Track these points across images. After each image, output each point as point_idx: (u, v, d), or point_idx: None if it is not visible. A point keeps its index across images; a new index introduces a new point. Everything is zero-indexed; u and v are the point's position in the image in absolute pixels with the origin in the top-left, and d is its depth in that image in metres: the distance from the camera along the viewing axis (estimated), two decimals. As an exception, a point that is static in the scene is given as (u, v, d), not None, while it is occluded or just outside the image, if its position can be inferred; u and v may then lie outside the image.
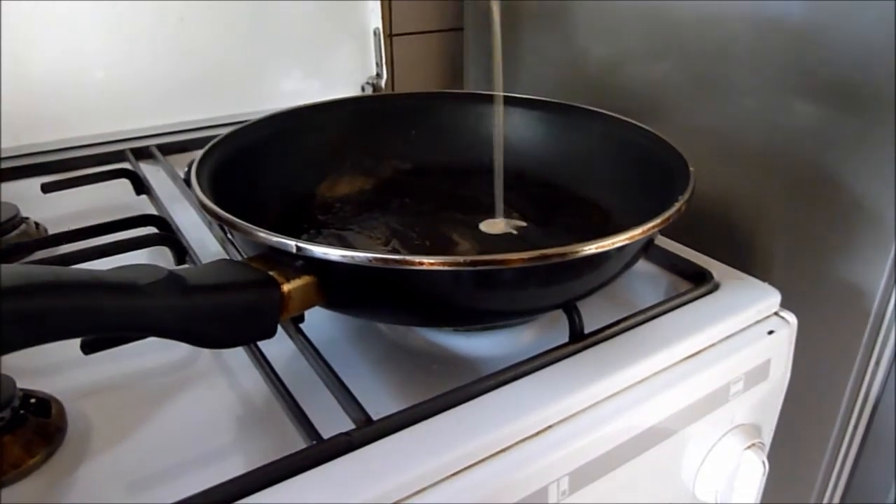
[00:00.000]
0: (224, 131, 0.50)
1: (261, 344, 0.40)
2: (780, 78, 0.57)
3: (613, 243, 0.35)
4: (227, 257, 0.49)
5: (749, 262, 0.63)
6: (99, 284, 0.26)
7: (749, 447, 0.45)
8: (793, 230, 0.60)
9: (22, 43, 0.67)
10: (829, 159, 0.56)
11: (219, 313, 0.30)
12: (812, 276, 0.60)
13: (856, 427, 0.62)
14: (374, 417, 0.34)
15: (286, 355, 0.41)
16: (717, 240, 0.65)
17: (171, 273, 0.29)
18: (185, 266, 0.31)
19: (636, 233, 0.35)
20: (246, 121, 0.52)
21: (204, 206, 0.38)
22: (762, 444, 0.46)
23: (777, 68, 0.57)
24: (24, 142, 0.69)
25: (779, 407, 0.50)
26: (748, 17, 0.58)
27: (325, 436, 0.33)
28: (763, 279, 0.49)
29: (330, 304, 0.37)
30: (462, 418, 0.35)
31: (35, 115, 0.70)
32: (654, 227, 0.36)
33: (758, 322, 0.46)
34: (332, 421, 0.35)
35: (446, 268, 0.32)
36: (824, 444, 0.64)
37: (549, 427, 0.36)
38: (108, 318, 0.26)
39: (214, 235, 0.53)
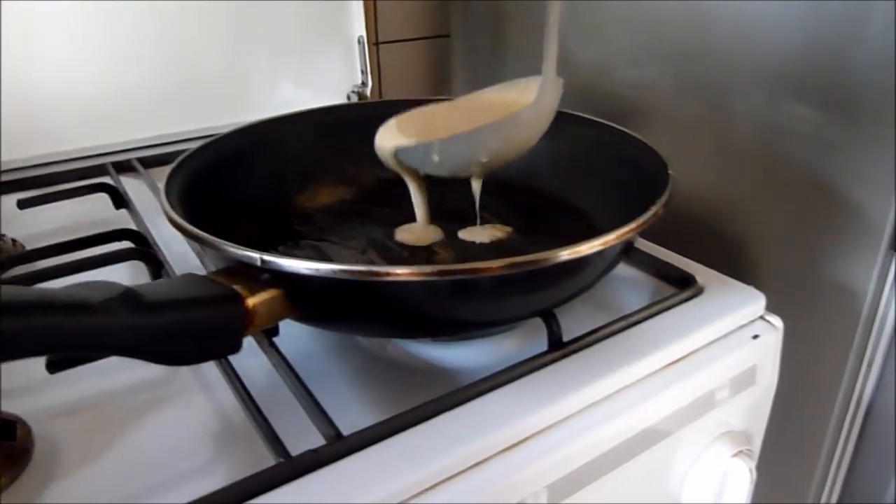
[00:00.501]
0: (198, 143, 0.50)
1: (239, 359, 0.39)
2: (769, 80, 0.57)
3: (588, 249, 0.34)
4: (203, 272, 0.49)
5: (738, 265, 0.63)
6: (48, 304, 0.25)
7: (736, 454, 0.44)
8: (782, 233, 0.60)
9: (2, 59, 0.67)
10: (819, 162, 0.55)
11: (177, 330, 0.29)
12: (802, 280, 0.59)
13: (850, 431, 0.62)
14: (347, 432, 0.34)
15: (263, 370, 0.40)
16: (706, 244, 0.64)
17: (126, 290, 0.28)
18: (146, 282, 0.30)
19: (610, 238, 0.34)
20: (219, 133, 0.52)
21: (171, 220, 0.37)
22: (750, 451, 0.45)
23: (766, 70, 0.57)
24: (3, 157, 0.68)
25: (767, 413, 0.49)
26: (735, 17, 0.57)
27: (295, 452, 0.33)
28: (753, 283, 0.48)
29: (300, 318, 0.36)
30: (434, 432, 0.34)
31: (16, 129, 0.69)
32: (629, 232, 0.35)
33: (742, 326, 0.45)
34: (304, 437, 0.34)
35: (415, 278, 0.31)
36: (818, 449, 0.63)
37: (526, 439, 0.36)
38: (59, 337, 0.25)
39: (193, 249, 0.53)
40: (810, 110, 0.54)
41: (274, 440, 0.33)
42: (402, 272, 0.31)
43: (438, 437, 0.34)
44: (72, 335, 0.26)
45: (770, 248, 0.61)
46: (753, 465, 0.44)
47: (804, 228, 0.58)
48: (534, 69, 0.47)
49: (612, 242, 0.34)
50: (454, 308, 0.36)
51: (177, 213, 0.39)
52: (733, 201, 0.63)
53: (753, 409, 0.47)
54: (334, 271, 0.31)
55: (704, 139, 0.63)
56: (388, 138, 0.47)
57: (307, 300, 0.34)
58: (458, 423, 0.35)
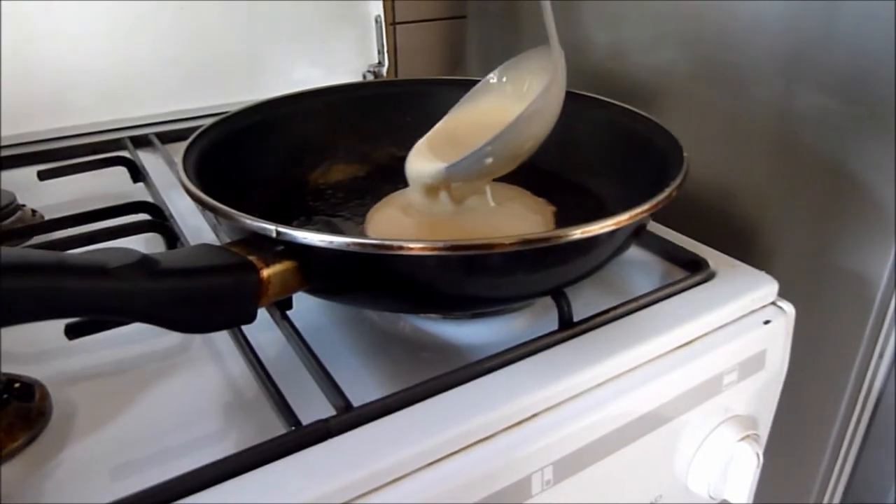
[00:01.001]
0: (215, 119, 0.50)
1: (251, 331, 0.40)
2: (786, 65, 0.56)
3: (600, 228, 0.34)
4: (218, 237, 0.49)
5: (750, 251, 0.62)
6: (66, 266, 0.26)
7: (743, 438, 0.44)
8: (796, 219, 0.59)
9: (21, 31, 0.67)
10: (834, 148, 0.54)
11: (192, 297, 0.29)
12: (815, 266, 0.58)
13: (858, 422, 0.61)
14: (356, 404, 0.34)
15: (275, 342, 0.41)
16: (718, 228, 0.64)
17: (143, 256, 0.28)
18: (163, 251, 0.31)
19: (623, 218, 0.34)
20: (231, 110, 0.52)
21: (188, 191, 0.38)
22: (757, 435, 0.45)
23: (783, 55, 0.56)
24: (22, 130, 0.69)
25: (776, 398, 0.49)
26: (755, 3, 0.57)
27: (306, 422, 0.33)
28: (765, 269, 0.48)
29: (312, 290, 0.37)
30: (444, 406, 0.35)
31: (34, 103, 0.70)
32: (642, 213, 0.35)
33: (753, 311, 0.45)
34: (315, 407, 0.34)
35: (428, 252, 0.32)
36: (825, 440, 0.63)
37: (534, 415, 0.36)
38: (76, 301, 0.26)
39: (208, 223, 0.53)
40: (826, 97, 0.54)
41: (285, 409, 0.33)
42: (414, 246, 0.32)
43: (447, 411, 0.34)
44: (88, 298, 0.26)
45: (782, 233, 0.61)
46: (760, 449, 0.44)
47: (817, 215, 0.58)
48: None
49: (625, 223, 0.34)
50: (465, 284, 0.36)
51: (193, 183, 0.39)
52: (746, 186, 0.63)
53: (761, 394, 0.47)
54: (348, 244, 0.32)
55: (719, 124, 0.63)
56: (427, 162, 0.47)
57: (320, 273, 0.35)
58: (466, 398, 0.35)
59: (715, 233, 0.54)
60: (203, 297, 0.30)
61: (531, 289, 0.38)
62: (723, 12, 0.60)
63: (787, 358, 0.47)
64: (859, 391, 0.60)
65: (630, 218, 0.35)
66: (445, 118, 0.51)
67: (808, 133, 0.56)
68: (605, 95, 0.55)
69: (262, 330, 0.41)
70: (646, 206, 0.36)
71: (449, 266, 0.34)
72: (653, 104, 0.68)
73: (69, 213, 0.51)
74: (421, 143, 0.49)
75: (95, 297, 0.26)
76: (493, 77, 0.51)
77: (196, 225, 0.54)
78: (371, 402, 0.34)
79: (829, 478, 0.65)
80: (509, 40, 0.85)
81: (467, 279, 0.36)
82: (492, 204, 0.49)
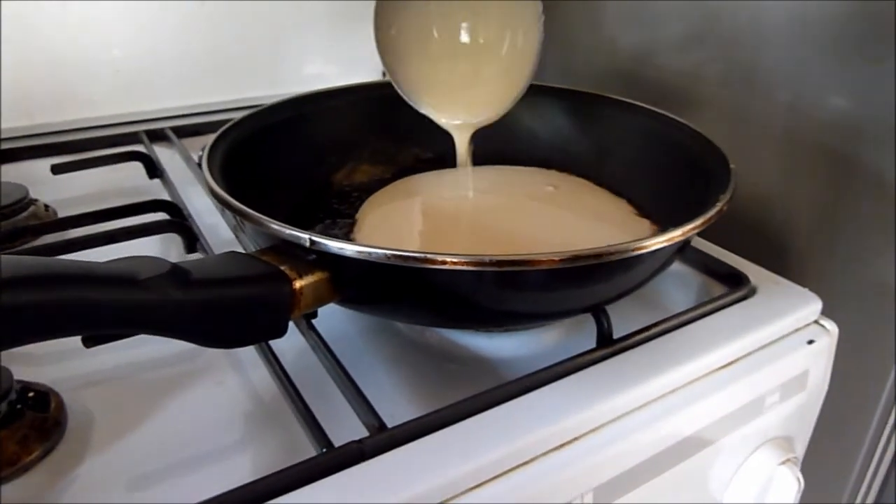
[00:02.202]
0: (238, 115, 0.48)
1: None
2: (820, 68, 0.54)
3: (652, 245, 0.32)
4: (239, 247, 0.48)
5: (780, 262, 0.61)
6: (94, 278, 0.24)
7: (783, 462, 0.42)
8: (829, 229, 0.57)
9: (37, 21, 0.65)
10: (871, 155, 0.53)
11: (225, 310, 0.28)
12: (848, 280, 0.57)
13: (889, 439, 0.60)
14: (388, 421, 0.32)
15: (296, 349, 0.39)
16: (747, 238, 0.62)
17: (174, 266, 0.27)
18: (191, 258, 0.29)
19: (676, 234, 0.33)
20: (259, 105, 0.50)
21: (215, 195, 0.36)
22: (797, 458, 0.43)
23: (817, 57, 0.54)
24: (37, 121, 0.68)
25: (814, 420, 0.47)
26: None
27: (337, 441, 0.31)
28: (795, 281, 0.46)
29: (344, 301, 0.35)
30: (480, 428, 0.33)
31: (49, 93, 0.68)
32: (694, 230, 0.34)
33: (797, 330, 0.43)
34: (344, 425, 0.33)
35: (469, 268, 0.30)
36: (855, 456, 0.61)
37: (575, 439, 0.34)
38: (104, 314, 0.24)
39: (227, 222, 0.52)
40: (860, 101, 0.52)
41: (316, 429, 0.32)
42: (457, 260, 0.30)
43: (484, 434, 0.33)
44: (118, 311, 0.25)
45: (814, 245, 0.59)
46: (800, 473, 0.43)
47: (852, 226, 0.56)
48: (572, 50, 0.46)
49: (678, 239, 0.33)
50: (506, 300, 0.34)
51: (219, 185, 0.37)
52: (776, 196, 0.61)
53: (801, 415, 0.45)
54: (387, 256, 0.30)
55: (748, 128, 0.61)
56: None
57: (353, 284, 0.33)
58: (504, 420, 0.33)
59: (745, 243, 0.52)
60: (236, 310, 0.28)
61: (572, 305, 0.36)
62: (757, 9, 0.58)
63: (828, 378, 0.45)
64: (891, 409, 0.58)
65: (682, 234, 0.33)
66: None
67: (843, 138, 0.54)
68: (632, 98, 0.53)
69: (285, 337, 0.39)
70: (698, 222, 0.34)
71: (490, 281, 0.32)
72: (682, 107, 0.66)
73: (85, 211, 0.49)
74: None
75: (126, 311, 0.24)
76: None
77: (213, 223, 0.53)
78: (405, 423, 0.32)
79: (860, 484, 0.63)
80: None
81: (508, 295, 0.34)
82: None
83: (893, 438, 0.60)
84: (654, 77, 0.69)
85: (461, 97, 0.52)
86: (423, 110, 0.51)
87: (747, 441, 0.42)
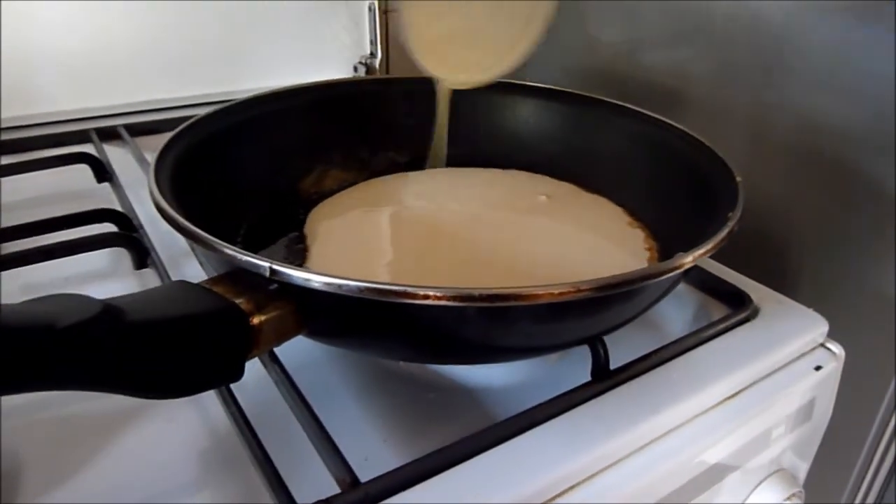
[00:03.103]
0: (198, 112, 0.44)
1: None
2: (814, 69, 0.51)
3: (661, 274, 0.29)
4: (195, 263, 0.43)
5: (775, 274, 0.58)
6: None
7: (789, 498, 0.39)
8: (827, 237, 0.55)
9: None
10: (870, 161, 0.50)
11: (169, 357, 0.23)
12: (847, 287, 0.54)
13: (886, 450, 0.57)
14: (361, 465, 0.29)
15: (257, 380, 0.35)
16: (739, 251, 0.59)
17: (104, 307, 0.22)
18: (128, 294, 0.25)
19: (687, 261, 0.29)
20: (223, 101, 0.46)
21: (162, 212, 0.32)
22: (801, 492, 0.40)
23: (811, 57, 0.51)
24: (-26, 118, 0.62)
25: (816, 448, 0.44)
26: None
27: (302, 499, 0.27)
28: (791, 291, 0.43)
29: (312, 335, 0.31)
30: (464, 480, 0.29)
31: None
32: (704, 254, 0.30)
33: (803, 356, 0.40)
34: (310, 476, 0.29)
35: (456, 304, 0.26)
36: (848, 474, 0.59)
37: (570, 488, 0.31)
38: (11, 373, 0.20)
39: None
40: (857, 105, 0.49)
41: (277, 485, 0.28)
42: (441, 294, 0.26)
43: (469, 488, 0.29)
44: (32, 368, 0.20)
45: (811, 258, 0.56)
46: (805, 508, 0.40)
47: (850, 237, 0.53)
48: (553, 48, 0.42)
49: (688, 265, 0.29)
50: (495, 335, 0.30)
51: (167, 199, 0.33)
52: (770, 204, 0.58)
53: (806, 445, 0.42)
54: (360, 289, 0.26)
55: (738, 132, 0.58)
56: None
57: (323, 318, 0.29)
58: (490, 470, 0.30)
59: (738, 256, 0.49)
60: (182, 357, 0.24)
61: (567, 338, 0.33)
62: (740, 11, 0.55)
63: (832, 405, 0.42)
64: (887, 424, 0.56)
65: (693, 260, 0.29)
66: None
67: (840, 144, 0.51)
68: (615, 97, 0.50)
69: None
70: (709, 246, 0.30)
71: (480, 317, 0.28)
72: (668, 108, 0.63)
73: (21, 223, 0.44)
74: None
75: (42, 367, 0.20)
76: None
77: (169, 231, 0.48)
78: (381, 477, 0.28)
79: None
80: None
81: (498, 330, 0.30)
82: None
83: (893, 445, 0.58)
84: (638, 75, 0.66)
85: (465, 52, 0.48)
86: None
87: (750, 477, 0.39)
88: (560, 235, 0.44)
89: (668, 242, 0.42)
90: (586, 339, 0.33)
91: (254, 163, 0.46)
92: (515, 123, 0.53)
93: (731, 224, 0.32)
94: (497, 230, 0.44)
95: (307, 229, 0.44)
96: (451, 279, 0.38)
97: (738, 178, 0.37)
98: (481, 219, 0.46)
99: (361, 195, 0.49)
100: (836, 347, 0.41)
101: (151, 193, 0.33)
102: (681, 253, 0.30)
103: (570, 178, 0.50)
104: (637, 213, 0.46)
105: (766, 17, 0.54)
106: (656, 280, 0.28)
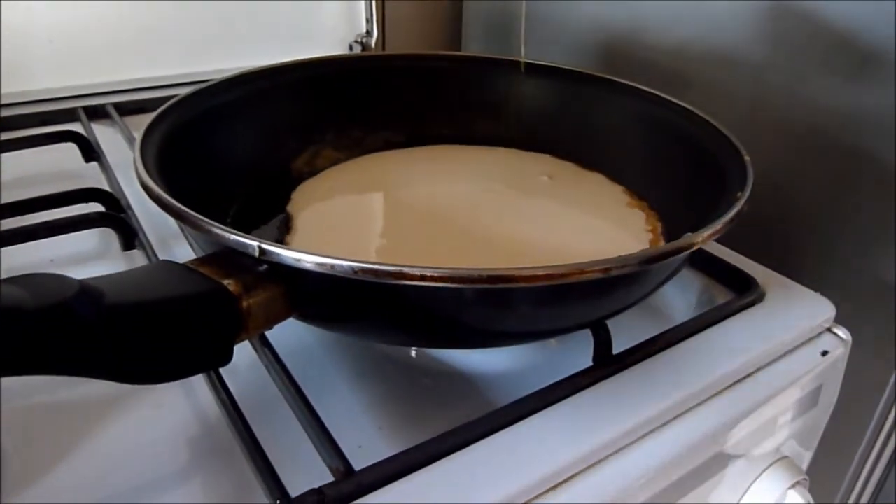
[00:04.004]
0: (184, 91, 0.42)
1: None
2: (817, 50, 0.50)
3: (667, 254, 0.27)
4: (184, 244, 0.42)
5: (776, 257, 0.57)
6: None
7: (793, 486, 0.38)
8: (829, 222, 0.54)
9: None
10: (876, 145, 0.49)
11: (151, 342, 0.22)
12: (848, 276, 0.53)
13: (885, 443, 0.57)
14: (355, 453, 0.28)
15: (248, 364, 0.34)
16: (745, 234, 0.58)
17: (80, 288, 0.21)
18: (108, 274, 0.23)
19: (697, 241, 0.28)
20: (210, 81, 0.44)
21: (146, 189, 0.30)
22: (805, 480, 0.40)
23: (811, 40, 0.50)
24: (-43, 95, 0.60)
25: (820, 434, 0.43)
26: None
27: (294, 486, 0.26)
28: (791, 276, 0.42)
29: (303, 318, 0.29)
30: (461, 470, 0.28)
31: (-28, 63, 0.61)
32: (714, 234, 0.29)
33: (810, 340, 0.39)
34: (303, 464, 0.28)
35: (455, 285, 0.25)
36: (850, 459, 0.58)
37: (572, 476, 0.29)
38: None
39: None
40: (860, 87, 0.48)
41: (268, 474, 0.26)
42: (438, 275, 0.24)
43: (466, 478, 0.28)
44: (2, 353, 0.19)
45: (811, 241, 0.55)
46: (810, 496, 0.39)
47: (851, 221, 0.52)
48: (552, 28, 0.41)
49: (700, 244, 0.28)
50: (494, 318, 0.29)
51: (153, 177, 0.31)
52: (771, 188, 0.56)
53: (810, 431, 0.41)
54: (354, 270, 0.24)
55: (738, 114, 0.57)
56: None
57: (314, 300, 0.28)
58: (489, 459, 0.29)
59: (739, 239, 0.48)
60: (165, 341, 0.23)
61: (569, 322, 0.31)
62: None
63: (838, 391, 0.42)
64: (886, 416, 0.55)
65: (704, 241, 0.28)
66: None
67: (843, 128, 0.50)
68: (618, 76, 0.48)
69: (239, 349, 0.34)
70: (718, 226, 0.29)
71: (479, 298, 0.27)
72: (668, 89, 0.61)
73: (4, 202, 0.43)
74: None
75: (9, 352, 0.19)
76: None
77: (157, 213, 0.46)
78: (375, 466, 0.27)
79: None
80: (509, 12, 0.78)
81: (497, 313, 0.29)
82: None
83: (892, 439, 0.57)
84: (638, 55, 0.65)
85: None
86: None
87: (755, 464, 0.38)
88: (561, 216, 0.43)
89: (673, 223, 0.41)
90: (588, 323, 0.32)
91: (243, 141, 0.44)
92: (516, 101, 0.51)
93: (740, 203, 0.31)
94: (496, 210, 0.43)
95: (291, 207, 0.43)
96: (448, 261, 0.37)
97: (747, 157, 0.36)
98: (479, 199, 0.44)
99: (350, 175, 0.47)
100: (843, 332, 0.40)
101: (136, 171, 0.32)
102: (689, 234, 0.28)
103: (571, 158, 0.49)
104: (640, 193, 0.45)
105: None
106: (663, 262, 0.27)
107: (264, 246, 0.25)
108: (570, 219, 0.43)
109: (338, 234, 0.40)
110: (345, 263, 0.25)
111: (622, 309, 0.32)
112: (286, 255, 0.25)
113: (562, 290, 0.27)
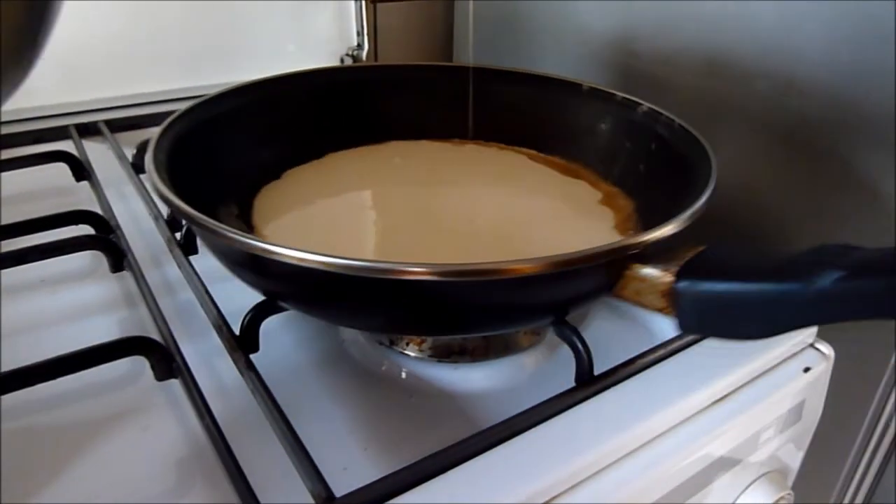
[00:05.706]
0: (182, 106, 0.42)
1: (210, 373, 0.35)
2: (806, 59, 0.50)
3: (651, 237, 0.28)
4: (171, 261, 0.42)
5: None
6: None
7: (778, 501, 0.39)
8: (815, 229, 0.54)
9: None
10: (866, 156, 0.49)
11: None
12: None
13: (878, 445, 0.57)
14: (339, 476, 0.29)
15: (234, 386, 0.34)
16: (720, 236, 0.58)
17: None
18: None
19: (667, 230, 0.29)
20: (206, 95, 0.45)
21: (168, 202, 0.31)
22: (790, 494, 0.40)
23: (803, 47, 0.50)
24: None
25: (805, 449, 0.44)
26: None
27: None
28: None
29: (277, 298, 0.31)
30: (445, 492, 0.28)
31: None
32: (661, 236, 0.30)
33: (793, 356, 0.40)
34: (286, 489, 0.28)
35: (443, 279, 0.25)
36: (843, 461, 0.58)
37: (555, 497, 0.30)
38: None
39: (161, 233, 0.46)
40: (856, 101, 0.48)
41: (251, 501, 0.27)
42: (424, 270, 0.26)
43: (451, 499, 0.28)
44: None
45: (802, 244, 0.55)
46: (795, 510, 0.39)
47: (839, 232, 0.52)
48: (543, 36, 0.41)
49: (669, 233, 0.29)
50: (475, 308, 0.30)
51: (168, 187, 0.32)
52: (754, 196, 0.57)
53: (795, 445, 0.42)
54: (347, 266, 0.25)
55: (728, 123, 0.57)
56: None
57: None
58: (474, 480, 0.29)
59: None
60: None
61: (539, 311, 0.32)
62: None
63: (822, 404, 0.42)
64: (875, 424, 0.56)
65: (650, 241, 0.29)
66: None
67: (830, 138, 0.50)
68: (605, 86, 0.49)
69: (221, 375, 0.35)
70: (667, 228, 0.30)
71: (468, 290, 0.28)
72: (658, 97, 0.62)
73: (-4, 225, 0.43)
74: None
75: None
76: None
77: (146, 232, 0.47)
78: (357, 491, 0.27)
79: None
80: (503, 22, 0.78)
81: (480, 303, 0.30)
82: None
83: (882, 446, 0.57)
84: (628, 63, 0.65)
85: None
86: None
87: (739, 480, 0.38)
88: (527, 211, 0.44)
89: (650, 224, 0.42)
90: (553, 311, 0.33)
91: (241, 153, 0.45)
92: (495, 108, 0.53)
93: (696, 206, 0.31)
94: (464, 204, 0.44)
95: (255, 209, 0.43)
96: (414, 254, 0.38)
97: (713, 158, 0.37)
98: (447, 193, 0.46)
99: (316, 175, 0.48)
100: (825, 348, 0.41)
101: (154, 184, 0.32)
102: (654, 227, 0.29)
103: (547, 155, 0.51)
104: (614, 194, 0.46)
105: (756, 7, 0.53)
106: (600, 261, 0.28)
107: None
108: (537, 213, 0.44)
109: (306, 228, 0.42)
110: (340, 262, 0.26)
111: (581, 303, 0.33)
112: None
113: (541, 279, 0.28)
